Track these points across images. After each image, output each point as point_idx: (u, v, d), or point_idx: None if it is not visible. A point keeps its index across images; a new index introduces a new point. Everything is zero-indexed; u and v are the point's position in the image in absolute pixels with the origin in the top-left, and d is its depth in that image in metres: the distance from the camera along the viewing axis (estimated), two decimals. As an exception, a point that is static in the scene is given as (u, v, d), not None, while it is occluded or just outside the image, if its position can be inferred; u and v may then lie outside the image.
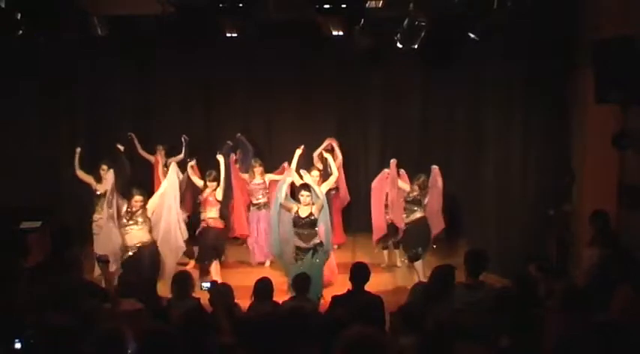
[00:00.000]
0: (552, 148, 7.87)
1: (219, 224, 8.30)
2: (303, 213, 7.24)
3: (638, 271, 5.03)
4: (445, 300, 4.77)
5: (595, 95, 6.30)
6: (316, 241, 7.26)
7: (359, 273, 5.45)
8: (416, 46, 7.95)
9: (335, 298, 5.39)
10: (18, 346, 3.74)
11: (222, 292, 5.08)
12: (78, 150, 8.48)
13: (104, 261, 7.36)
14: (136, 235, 7.07)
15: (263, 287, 5.43)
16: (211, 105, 10.75)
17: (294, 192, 7.91)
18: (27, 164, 9.85)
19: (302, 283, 5.59)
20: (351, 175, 10.21)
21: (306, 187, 7.38)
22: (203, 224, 8.25)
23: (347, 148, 10.32)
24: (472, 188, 9.42)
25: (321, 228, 7.33)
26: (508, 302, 4.41)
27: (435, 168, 8.07)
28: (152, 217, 7.25)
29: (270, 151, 10.46)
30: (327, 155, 8.68)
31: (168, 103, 10.68)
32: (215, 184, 8.17)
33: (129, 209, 7.07)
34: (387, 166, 8.24)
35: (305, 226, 7.22)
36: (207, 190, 8.19)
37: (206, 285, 5.25)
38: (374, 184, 8.62)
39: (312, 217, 7.23)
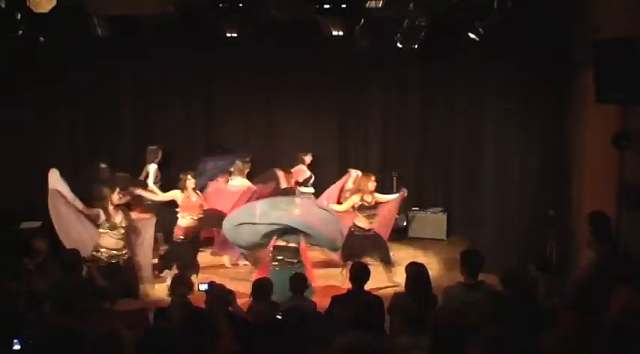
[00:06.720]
0: (552, 148, 7.86)
1: None
2: None
3: (638, 271, 5.02)
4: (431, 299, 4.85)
5: (595, 95, 6.29)
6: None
7: (359, 273, 5.44)
8: (416, 46, 7.97)
9: (335, 298, 5.38)
10: (17, 346, 3.74)
11: (220, 294, 5.07)
12: None
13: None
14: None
15: (262, 287, 5.43)
16: (211, 105, 10.74)
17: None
18: (27, 164, 9.84)
19: (299, 283, 5.57)
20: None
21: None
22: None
23: (347, 147, 10.32)
24: (472, 188, 9.41)
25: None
26: (504, 302, 4.41)
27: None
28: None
29: (271, 151, 10.48)
30: None
31: (168, 103, 10.68)
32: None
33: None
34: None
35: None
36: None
37: (204, 286, 5.23)
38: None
39: None
